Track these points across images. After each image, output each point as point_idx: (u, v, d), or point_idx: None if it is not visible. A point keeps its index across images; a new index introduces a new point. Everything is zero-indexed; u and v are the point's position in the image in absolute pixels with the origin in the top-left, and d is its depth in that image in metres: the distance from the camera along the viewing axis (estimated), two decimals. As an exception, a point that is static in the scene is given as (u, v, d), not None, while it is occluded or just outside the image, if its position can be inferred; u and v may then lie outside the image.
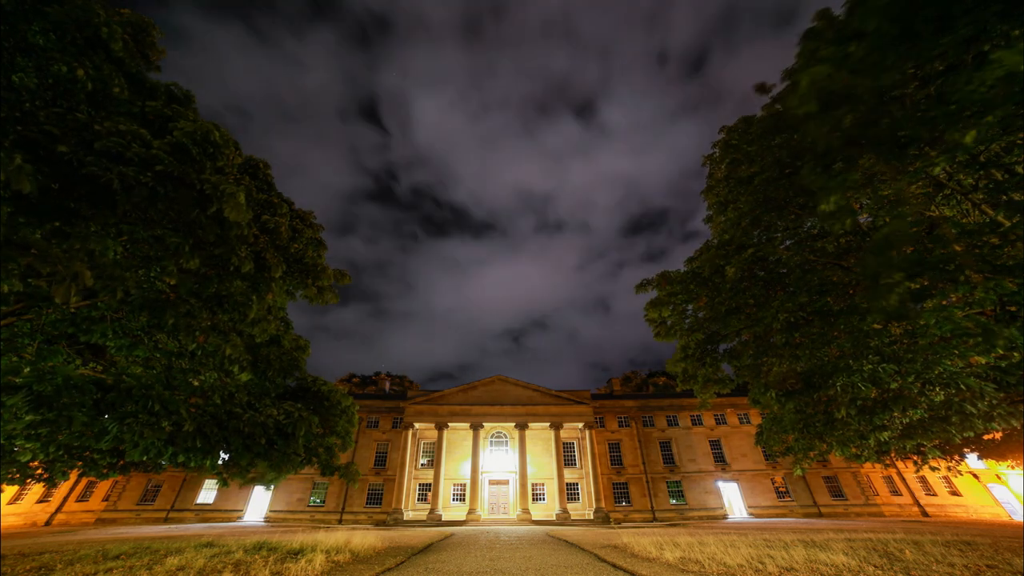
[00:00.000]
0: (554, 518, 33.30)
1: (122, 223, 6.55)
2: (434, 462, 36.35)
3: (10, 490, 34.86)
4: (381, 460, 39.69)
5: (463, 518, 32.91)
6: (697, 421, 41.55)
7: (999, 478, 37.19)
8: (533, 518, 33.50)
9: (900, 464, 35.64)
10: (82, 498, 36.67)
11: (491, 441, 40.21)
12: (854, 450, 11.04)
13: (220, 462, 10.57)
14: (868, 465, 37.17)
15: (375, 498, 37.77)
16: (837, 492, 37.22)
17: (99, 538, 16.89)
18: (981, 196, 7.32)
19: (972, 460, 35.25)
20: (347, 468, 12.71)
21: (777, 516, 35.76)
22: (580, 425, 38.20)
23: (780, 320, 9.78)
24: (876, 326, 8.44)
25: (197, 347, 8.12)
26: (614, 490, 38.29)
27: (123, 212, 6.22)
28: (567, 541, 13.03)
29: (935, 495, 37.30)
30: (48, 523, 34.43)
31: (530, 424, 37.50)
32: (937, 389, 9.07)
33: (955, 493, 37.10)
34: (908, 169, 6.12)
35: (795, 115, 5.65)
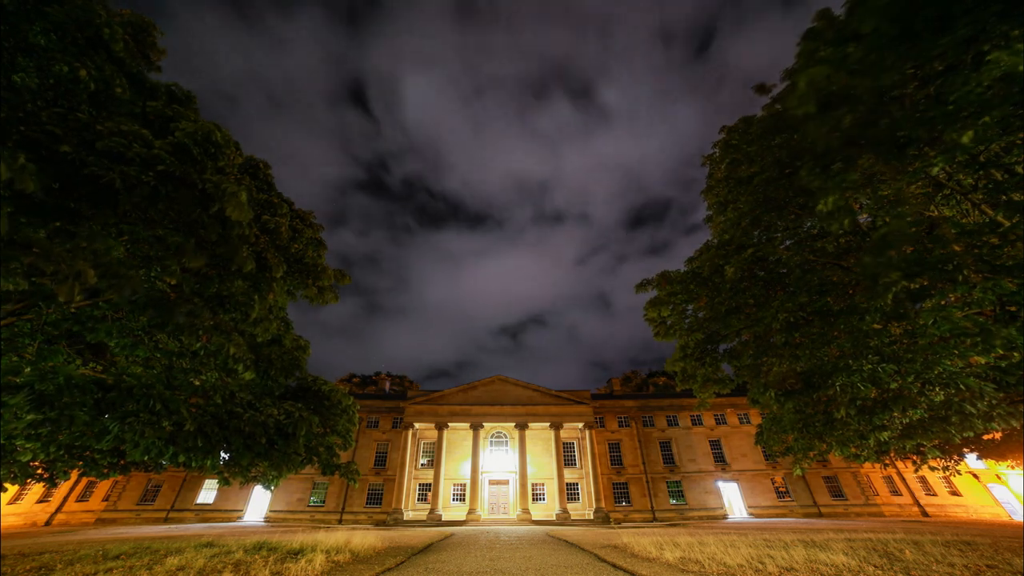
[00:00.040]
0: (554, 518, 33.31)
1: (123, 223, 6.57)
2: (434, 462, 36.35)
3: (10, 490, 34.82)
4: (381, 460, 39.69)
5: (463, 518, 32.91)
6: (697, 421, 41.56)
7: (999, 478, 37.20)
8: (533, 518, 33.50)
9: (900, 464, 35.65)
10: (82, 498, 36.67)
11: (491, 441, 40.22)
12: (854, 450, 11.05)
13: (221, 462, 10.58)
14: (868, 465, 37.18)
15: (375, 498, 37.77)
16: (837, 492, 37.22)
17: (99, 538, 16.89)
18: (981, 196, 7.34)
19: (972, 460, 35.28)
20: (347, 468, 12.72)
21: (777, 516, 35.76)
22: (580, 425, 38.21)
23: (780, 320, 9.79)
24: (876, 326, 8.45)
25: (199, 347, 8.13)
26: (614, 490, 38.29)
27: (124, 212, 6.24)
28: (567, 541, 13.03)
29: (935, 495, 37.30)
30: (48, 523, 34.43)
31: (530, 424, 37.50)
32: (937, 389, 9.08)
33: (955, 493, 37.10)
34: (907, 169, 6.13)
35: (794, 115, 5.66)
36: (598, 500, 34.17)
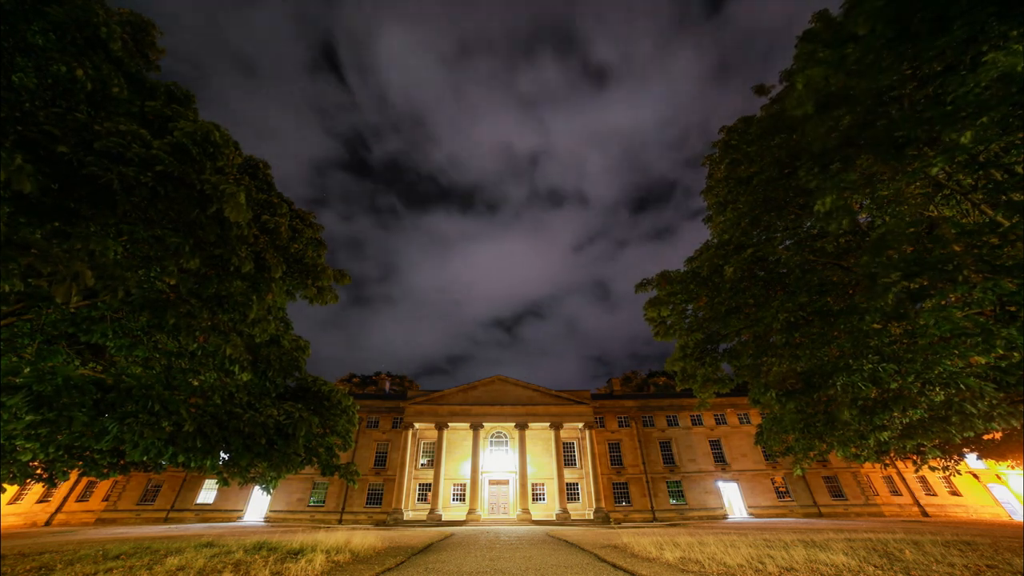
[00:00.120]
0: (554, 518, 33.30)
1: (122, 223, 6.56)
2: (434, 462, 36.35)
3: (10, 490, 34.85)
4: (381, 460, 39.69)
5: (463, 518, 32.91)
6: (697, 421, 41.55)
7: (999, 478, 37.18)
8: (533, 518, 33.50)
9: (900, 464, 35.65)
10: (82, 498, 36.68)
11: (491, 441, 40.22)
12: (854, 450, 11.04)
13: (220, 462, 10.58)
14: (868, 465, 37.17)
15: (375, 498, 37.78)
16: (837, 492, 37.21)
17: (99, 538, 16.90)
18: (980, 196, 7.33)
19: (972, 460, 35.27)
20: (347, 468, 12.71)
21: (777, 516, 35.75)
22: (580, 425, 38.21)
23: (780, 320, 9.79)
24: (876, 326, 8.45)
25: (198, 347, 8.12)
26: (614, 490, 38.29)
27: (123, 212, 6.23)
28: (567, 541, 13.03)
29: (935, 495, 37.29)
30: (48, 523, 34.44)
31: (530, 424, 37.50)
32: (937, 389, 9.07)
33: (955, 493, 37.09)
34: (906, 169, 6.13)
35: (793, 116, 5.66)
36: (598, 500, 34.16)
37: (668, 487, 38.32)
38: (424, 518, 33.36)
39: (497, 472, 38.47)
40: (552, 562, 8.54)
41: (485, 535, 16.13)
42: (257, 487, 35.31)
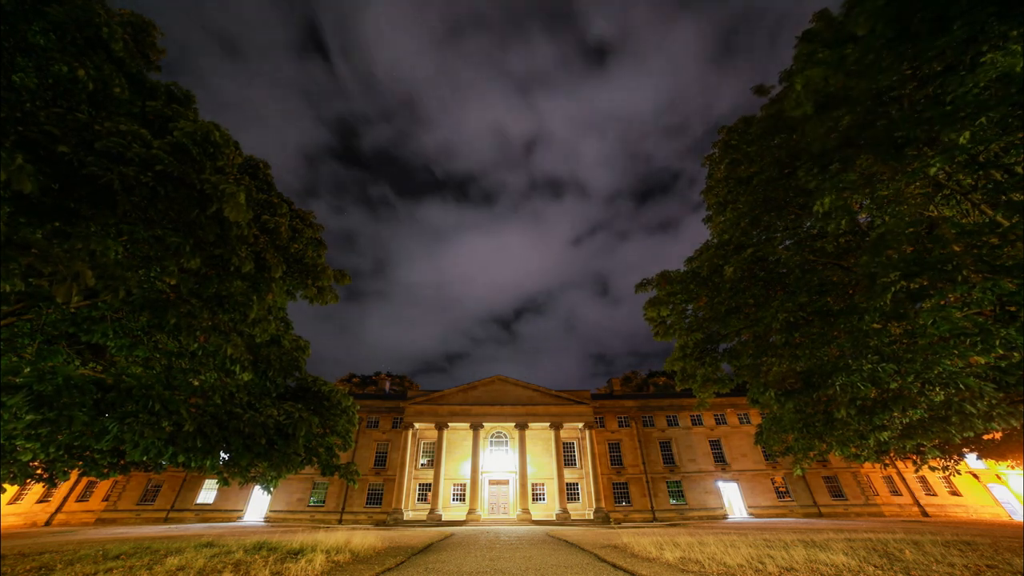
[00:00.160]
0: (554, 518, 33.30)
1: (122, 223, 6.56)
2: (434, 462, 36.35)
3: (10, 490, 34.84)
4: (381, 460, 39.69)
5: (463, 518, 32.91)
6: (697, 421, 41.54)
7: (999, 478, 37.18)
8: (533, 518, 33.50)
9: (900, 464, 35.65)
10: (82, 498, 36.68)
11: (491, 441, 40.21)
12: (854, 450, 11.04)
13: (220, 462, 10.58)
14: (868, 465, 37.17)
15: (375, 498, 37.77)
16: (837, 492, 37.21)
17: (99, 538, 16.90)
18: (980, 196, 7.33)
19: (972, 460, 35.27)
20: (347, 468, 12.72)
21: (777, 516, 35.75)
22: (580, 425, 38.21)
23: (780, 320, 9.79)
24: (875, 326, 8.45)
25: (198, 347, 8.13)
26: (614, 490, 38.29)
27: (123, 212, 6.23)
28: (567, 541, 13.03)
29: (935, 495, 37.29)
30: (48, 523, 34.44)
31: (530, 424, 37.50)
32: (937, 389, 9.07)
33: (955, 493, 37.09)
34: (906, 169, 6.13)
35: (793, 116, 5.67)
36: (598, 500, 34.16)
37: (668, 487, 38.32)
38: (424, 518, 33.36)
39: (497, 472, 38.47)
40: (552, 562, 8.54)
41: (485, 535, 16.13)
42: (257, 487, 35.32)
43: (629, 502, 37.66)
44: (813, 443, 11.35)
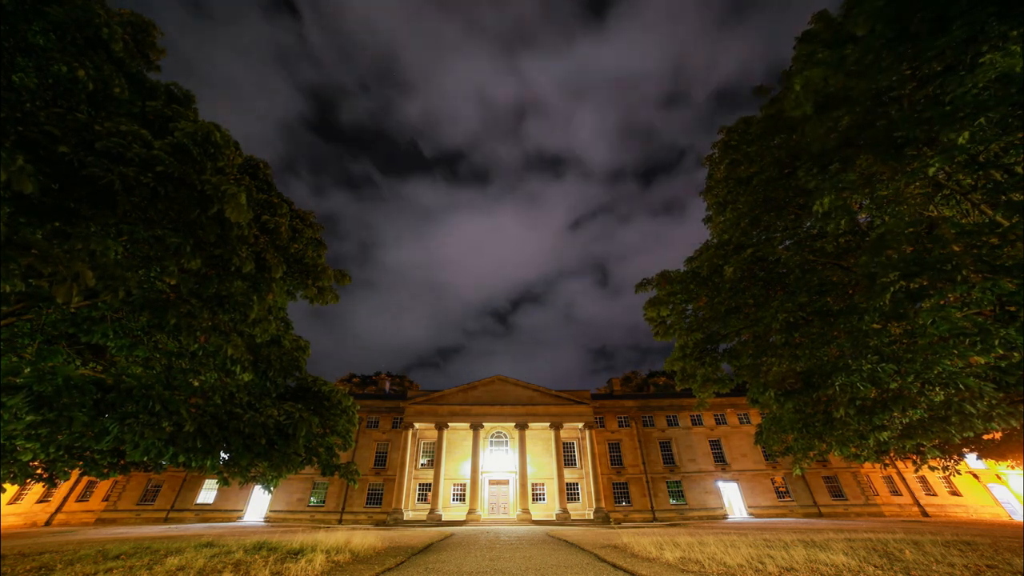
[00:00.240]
0: (554, 518, 33.30)
1: (122, 223, 6.56)
2: (434, 462, 36.35)
3: (10, 490, 34.84)
4: (381, 460, 39.69)
5: (463, 518, 32.91)
6: (697, 421, 41.54)
7: (999, 478, 37.18)
8: (533, 518, 33.50)
9: (900, 464, 35.65)
10: (82, 498, 36.67)
11: (491, 441, 40.21)
12: (853, 450, 11.04)
13: (220, 462, 10.58)
14: (868, 465, 37.17)
15: (375, 498, 37.77)
16: (837, 492, 37.21)
17: (99, 538, 16.90)
18: (980, 196, 7.33)
19: (972, 460, 35.27)
20: (347, 468, 12.72)
21: (777, 516, 35.75)
22: (580, 425, 38.21)
23: (779, 320, 9.79)
24: (875, 326, 8.45)
25: (198, 347, 8.13)
26: (614, 490, 38.29)
27: (124, 212, 6.24)
28: (567, 541, 13.03)
29: (935, 495, 37.29)
30: (48, 523, 34.44)
31: (530, 424, 37.50)
32: (937, 389, 9.08)
33: (955, 493, 37.09)
34: (906, 169, 6.13)
35: (792, 116, 5.67)
36: (598, 500, 34.16)
37: (668, 487, 38.32)
38: (424, 518, 33.36)
39: (497, 472, 38.47)
40: (552, 562, 8.55)
41: (485, 535, 16.13)
42: (257, 487, 35.34)
43: (629, 502, 37.66)
44: (813, 443, 11.36)
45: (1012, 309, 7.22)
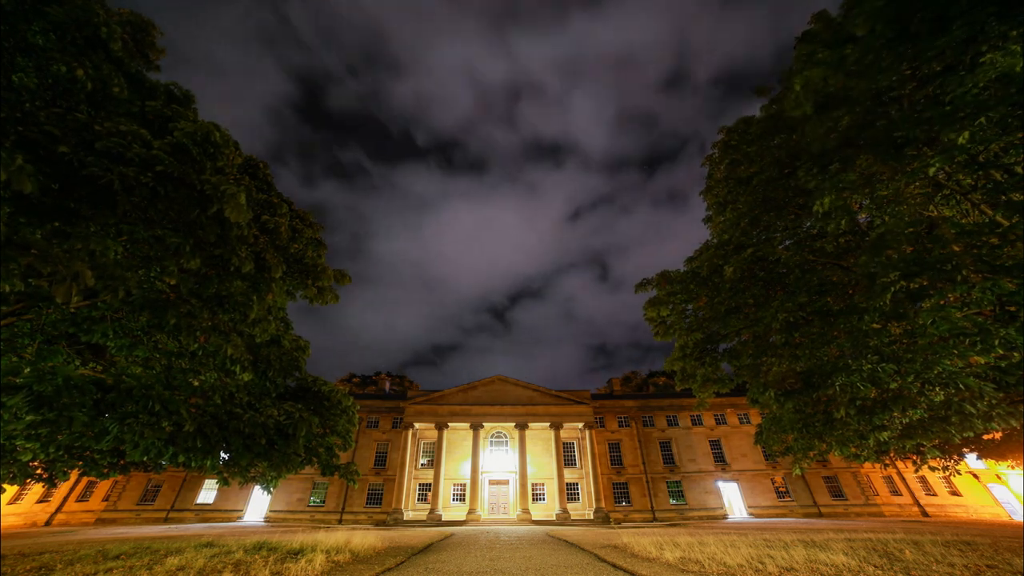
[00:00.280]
0: (554, 518, 33.30)
1: (122, 223, 6.56)
2: (434, 462, 36.35)
3: (10, 490, 34.84)
4: (381, 460, 39.69)
5: (463, 518, 32.90)
6: (697, 421, 41.54)
7: (999, 478, 37.18)
8: (533, 518, 33.49)
9: (900, 464, 35.64)
10: (82, 498, 36.68)
11: (491, 441, 40.21)
12: (853, 450, 11.04)
13: (220, 462, 10.58)
14: (868, 465, 37.17)
15: (375, 498, 37.77)
16: (837, 492, 37.21)
17: (99, 538, 16.89)
18: (980, 196, 7.33)
19: (972, 460, 35.26)
20: (347, 468, 12.72)
21: (777, 516, 35.75)
22: (580, 425, 38.21)
23: (779, 320, 9.79)
24: (875, 326, 8.45)
25: (198, 347, 8.13)
26: (614, 490, 38.29)
27: (123, 212, 6.24)
28: (567, 541, 13.03)
29: (935, 495, 37.29)
30: (48, 523, 34.44)
31: (530, 424, 37.49)
32: (937, 389, 9.07)
33: (955, 493, 37.08)
34: (906, 169, 6.13)
35: (792, 116, 5.67)
36: (598, 500, 34.16)
37: (668, 487, 38.32)
38: (424, 518, 33.36)
39: (497, 472, 38.47)
40: (552, 562, 8.55)
41: (485, 535, 16.13)
42: (257, 487, 35.31)
43: (629, 502, 37.66)
44: (813, 443, 11.35)
45: (1012, 309, 7.22)
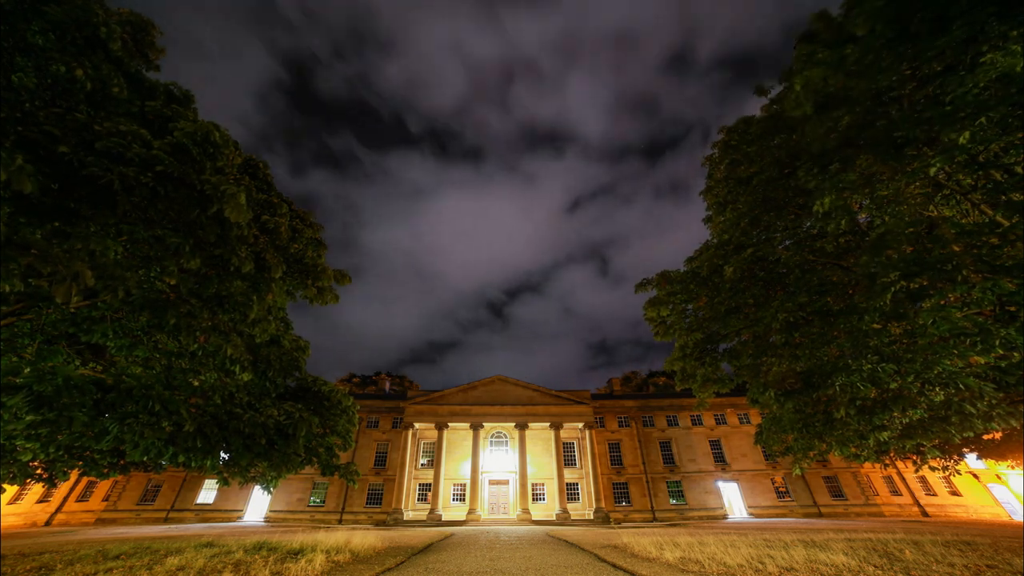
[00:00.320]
0: (554, 518, 33.30)
1: (122, 223, 6.56)
2: (434, 462, 36.35)
3: (10, 490, 34.85)
4: (381, 460, 39.69)
5: (463, 518, 32.91)
6: (697, 421, 41.54)
7: (999, 478, 37.18)
8: (533, 518, 33.50)
9: (900, 464, 35.66)
10: (82, 498, 36.68)
11: (491, 441, 40.22)
12: (853, 450, 11.04)
13: (220, 462, 10.58)
14: (868, 465, 37.17)
15: (375, 498, 37.77)
16: (837, 492, 37.21)
17: (99, 538, 16.90)
18: (980, 196, 7.33)
19: (972, 460, 35.27)
20: (347, 468, 12.72)
21: (777, 516, 35.75)
22: (580, 425, 38.21)
23: (779, 320, 9.79)
24: (875, 326, 8.45)
25: (198, 347, 8.13)
26: (614, 490, 38.29)
27: (123, 212, 6.23)
28: (567, 541, 13.03)
29: (935, 495, 37.29)
30: (48, 523, 34.44)
31: (530, 424, 37.50)
32: (937, 389, 9.07)
33: (955, 493, 37.09)
34: (906, 169, 6.13)
35: (793, 116, 5.66)
36: (598, 500, 34.16)
37: (668, 487, 38.32)
38: (424, 518, 33.36)
39: (497, 472, 38.47)
40: (552, 562, 8.54)
41: (485, 535, 16.13)
42: (257, 487, 35.30)
43: (629, 502, 37.66)
44: (813, 443, 11.35)
45: (1012, 309, 7.21)
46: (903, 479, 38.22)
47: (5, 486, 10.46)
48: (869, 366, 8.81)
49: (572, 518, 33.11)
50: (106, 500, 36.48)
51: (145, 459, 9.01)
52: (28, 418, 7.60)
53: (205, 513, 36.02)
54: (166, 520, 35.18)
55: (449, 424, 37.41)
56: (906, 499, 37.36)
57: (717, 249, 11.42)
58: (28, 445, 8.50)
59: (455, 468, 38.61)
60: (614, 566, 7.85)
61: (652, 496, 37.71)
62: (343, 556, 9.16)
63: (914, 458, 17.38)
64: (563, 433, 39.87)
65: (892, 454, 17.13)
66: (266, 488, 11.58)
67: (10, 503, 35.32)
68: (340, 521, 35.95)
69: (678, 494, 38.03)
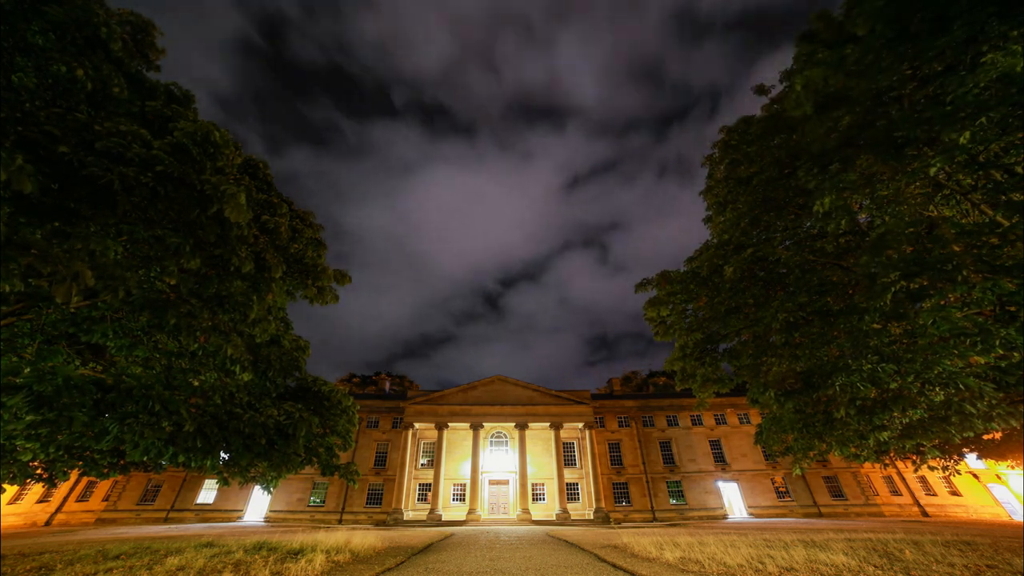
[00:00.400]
0: (554, 518, 33.30)
1: (122, 223, 6.56)
2: (434, 462, 36.35)
3: (10, 490, 34.85)
4: (381, 460, 39.69)
5: (463, 518, 32.91)
6: (697, 421, 41.54)
7: (999, 478, 37.18)
8: (533, 518, 33.49)
9: (900, 464, 35.64)
10: (82, 498, 36.67)
11: (491, 441, 40.21)
12: (853, 450, 11.04)
13: (220, 462, 10.58)
14: (868, 465, 37.17)
15: (375, 498, 37.77)
16: (837, 492, 37.21)
17: (99, 538, 16.89)
18: (980, 196, 7.33)
19: (972, 460, 35.27)
20: (347, 468, 12.72)
21: (777, 516, 35.75)
22: (580, 425, 38.21)
23: (780, 320, 9.79)
24: (875, 326, 8.45)
25: (198, 347, 8.12)
26: (614, 490, 38.29)
27: (123, 212, 6.23)
28: (567, 541, 13.03)
29: (935, 495, 37.29)
30: (48, 523, 34.44)
31: (530, 424, 37.50)
32: (937, 389, 9.07)
33: (955, 493, 37.09)
34: (906, 169, 6.13)
35: (793, 116, 5.67)
36: (598, 500, 34.16)
37: (668, 487, 38.32)
38: (424, 518, 33.36)
39: (497, 472, 38.47)
40: (552, 562, 8.54)
41: (485, 535, 16.13)
42: (257, 487, 35.29)
43: (629, 502, 37.66)
44: (813, 443, 11.35)
45: (1012, 309, 7.21)
46: (903, 479, 38.22)
47: (5, 486, 10.46)
48: (869, 366, 8.81)
49: (572, 518, 33.10)
50: (106, 500, 36.48)
51: (145, 459, 9.01)
52: (28, 418, 7.60)
53: (205, 513, 36.02)
54: (166, 520, 35.18)
55: (449, 424, 37.42)
56: (906, 499, 37.36)
57: (717, 249, 11.43)
58: (28, 445, 8.50)
59: (455, 468, 38.61)
60: (614, 566, 7.85)
61: (652, 496, 37.71)
62: (343, 556, 9.15)
63: (914, 458, 17.37)
64: (563, 433, 39.88)
65: (892, 454, 17.13)
66: (266, 488, 11.58)
67: (10, 503, 35.32)
68: (340, 521, 35.95)
69: (678, 494, 38.03)
